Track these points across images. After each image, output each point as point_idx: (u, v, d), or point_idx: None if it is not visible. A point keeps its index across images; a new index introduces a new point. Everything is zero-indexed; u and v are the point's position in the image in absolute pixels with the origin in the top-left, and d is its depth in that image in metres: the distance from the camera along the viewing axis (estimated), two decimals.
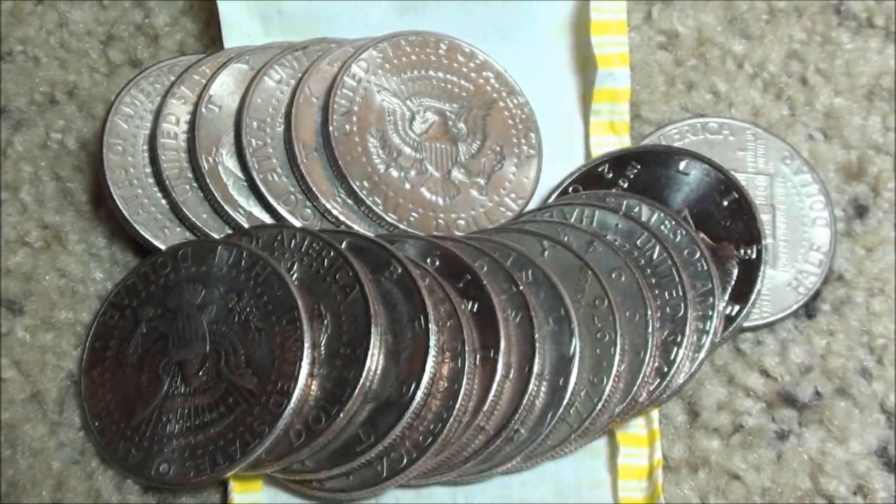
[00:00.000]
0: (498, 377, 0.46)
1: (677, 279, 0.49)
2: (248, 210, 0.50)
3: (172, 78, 0.52)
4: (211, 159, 0.51)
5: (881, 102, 0.55)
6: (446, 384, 0.46)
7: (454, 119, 0.53)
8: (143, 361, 0.48)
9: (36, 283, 0.52)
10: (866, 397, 0.50)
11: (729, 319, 0.49)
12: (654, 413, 0.49)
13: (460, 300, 0.48)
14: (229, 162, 0.51)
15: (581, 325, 0.48)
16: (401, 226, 0.50)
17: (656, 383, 0.48)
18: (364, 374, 0.45)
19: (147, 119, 0.52)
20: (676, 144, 0.53)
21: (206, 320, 0.48)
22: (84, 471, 0.49)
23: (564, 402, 0.47)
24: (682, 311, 0.48)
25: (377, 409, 0.46)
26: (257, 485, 0.48)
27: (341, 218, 0.50)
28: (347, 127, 0.51)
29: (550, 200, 0.53)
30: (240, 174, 0.51)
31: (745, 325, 0.50)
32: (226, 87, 0.52)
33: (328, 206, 0.50)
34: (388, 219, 0.50)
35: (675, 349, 0.48)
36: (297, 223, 0.50)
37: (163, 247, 0.50)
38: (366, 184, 0.51)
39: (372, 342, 0.46)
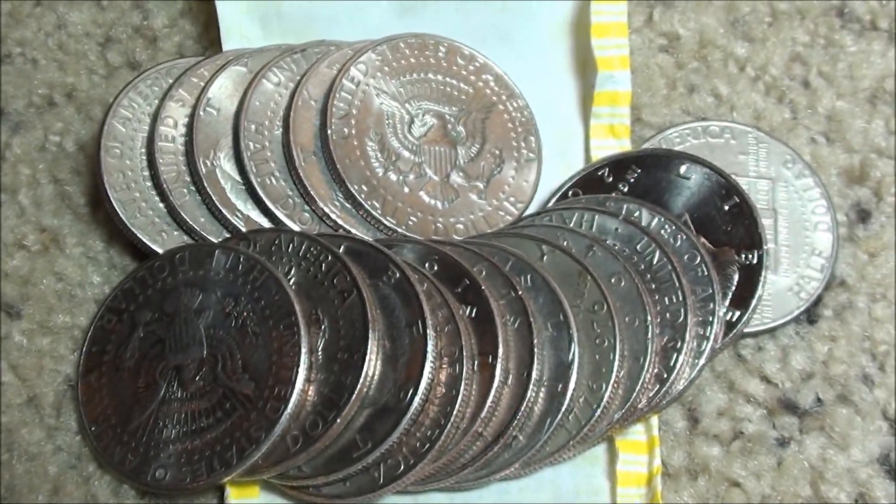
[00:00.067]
0: (496, 383, 0.46)
1: (677, 284, 0.49)
2: (246, 214, 0.50)
3: (170, 80, 0.52)
4: (209, 162, 0.50)
5: (884, 106, 0.55)
6: (444, 390, 0.46)
7: (453, 122, 0.53)
8: (140, 366, 0.48)
9: (33, 286, 0.52)
10: (868, 404, 0.49)
11: (729, 325, 0.49)
12: (654, 419, 0.49)
13: (458, 305, 0.47)
14: (227, 165, 0.51)
15: (580, 331, 0.47)
16: (399, 230, 0.50)
17: (656, 389, 0.47)
18: (361, 380, 0.45)
19: (145, 122, 0.52)
20: (677, 148, 0.53)
21: (203, 325, 0.47)
22: (81, 475, 0.49)
23: (563, 409, 0.46)
24: (682, 317, 0.48)
25: (374, 414, 0.45)
26: (254, 490, 0.48)
27: (339, 222, 0.50)
28: (346, 130, 0.51)
29: (550, 204, 0.52)
30: (238, 178, 0.51)
31: (746, 330, 0.50)
32: (224, 90, 0.52)
33: (326, 209, 0.50)
34: (386, 223, 0.50)
35: (675, 355, 0.48)
36: (295, 227, 0.50)
37: (160, 250, 0.50)
38: (364, 187, 0.50)
39: (369, 347, 0.45)
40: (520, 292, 0.48)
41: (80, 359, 0.50)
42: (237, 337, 0.47)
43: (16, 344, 0.51)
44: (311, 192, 0.50)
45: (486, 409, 0.46)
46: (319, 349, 0.46)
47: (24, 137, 0.55)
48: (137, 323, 0.49)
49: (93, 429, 0.48)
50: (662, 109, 0.55)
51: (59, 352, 0.51)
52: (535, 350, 0.46)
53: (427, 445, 0.45)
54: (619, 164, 0.52)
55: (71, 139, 0.55)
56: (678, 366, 0.47)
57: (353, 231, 0.50)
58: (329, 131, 0.51)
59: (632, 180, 0.52)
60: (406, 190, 0.51)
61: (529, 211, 0.53)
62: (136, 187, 0.51)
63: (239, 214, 0.50)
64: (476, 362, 0.46)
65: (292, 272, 0.48)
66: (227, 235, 0.50)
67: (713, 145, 0.53)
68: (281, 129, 0.51)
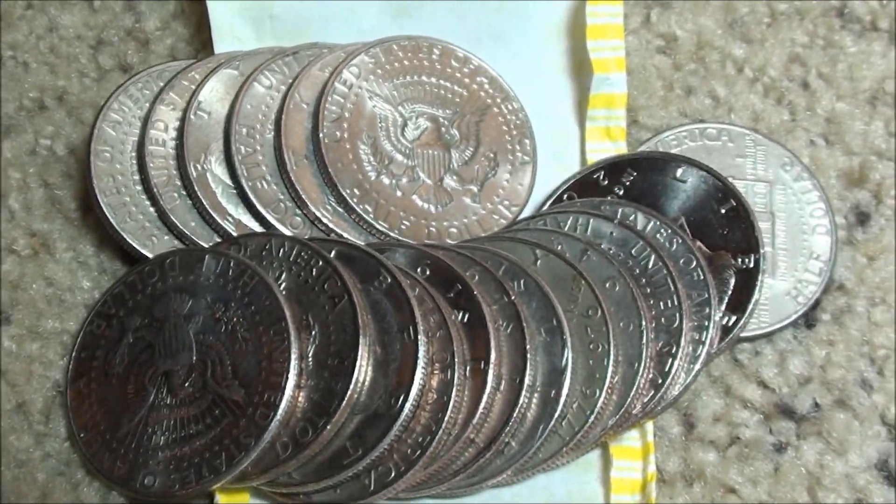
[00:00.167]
0: (488, 389, 0.46)
1: (673, 289, 0.48)
2: (237, 218, 0.50)
3: (161, 84, 0.52)
4: (199, 166, 0.50)
5: (884, 107, 0.54)
6: (435, 396, 0.45)
7: (447, 125, 0.52)
8: (130, 372, 0.48)
9: (23, 291, 0.52)
10: (866, 409, 0.49)
11: (726, 329, 0.49)
12: (649, 425, 0.48)
13: (450, 310, 0.47)
14: (218, 169, 0.50)
15: (574, 336, 0.47)
16: (392, 234, 0.50)
17: (650, 395, 0.47)
18: (352, 386, 0.44)
19: (135, 125, 0.51)
20: (674, 151, 0.52)
21: (192, 330, 0.47)
22: (69, 482, 0.49)
23: (556, 415, 0.46)
24: (677, 322, 0.48)
25: (365, 421, 0.45)
26: (244, 497, 0.48)
27: (331, 226, 0.50)
28: (338, 133, 0.51)
29: (545, 208, 0.52)
30: (229, 182, 0.50)
31: (743, 335, 0.49)
32: (215, 93, 0.51)
33: (318, 214, 0.50)
34: (378, 227, 0.50)
35: (670, 360, 0.47)
36: (287, 231, 0.49)
37: (150, 255, 0.50)
38: (356, 191, 0.50)
39: (360, 353, 0.45)
40: (513, 297, 0.47)
41: (70, 364, 0.49)
42: (227, 342, 0.46)
43: (5, 349, 0.51)
44: (303, 196, 0.50)
45: (478, 416, 0.45)
46: (310, 355, 0.46)
47: (15, 141, 0.54)
48: (127, 328, 0.48)
49: (82, 435, 0.48)
50: (659, 112, 0.54)
51: (48, 357, 0.50)
52: (528, 355, 0.46)
53: (418, 452, 0.45)
54: (614, 167, 0.52)
55: (61, 143, 0.54)
56: (673, 371, 0.47)
57: (345, 235, 0.50)
58: (321, 134, 0.50)
59: (627, 183, 0.51)
60: (399, 194, 0.51)
61: (524, 214, 0.52)
62: (127, 191, 0.50)
63: (230, 218, 0.50)
64: (468, 368, 0.46)
65: (283, 277, 0.47)
66: (218, 240, 0.50)
67: (710, 148, 0.53)
68: (272, 133, 0.51)
